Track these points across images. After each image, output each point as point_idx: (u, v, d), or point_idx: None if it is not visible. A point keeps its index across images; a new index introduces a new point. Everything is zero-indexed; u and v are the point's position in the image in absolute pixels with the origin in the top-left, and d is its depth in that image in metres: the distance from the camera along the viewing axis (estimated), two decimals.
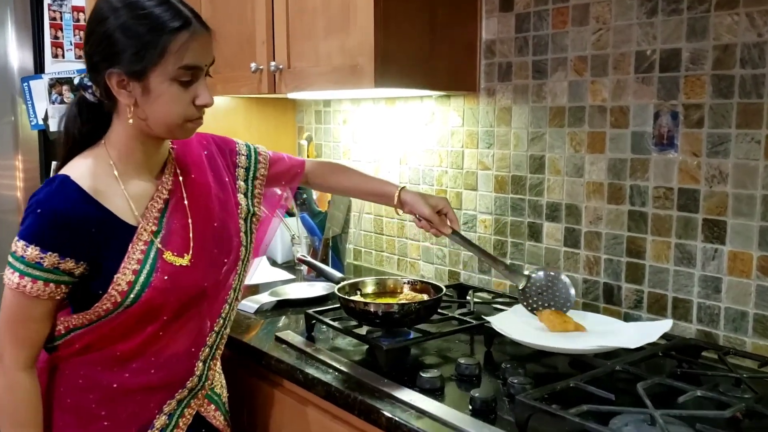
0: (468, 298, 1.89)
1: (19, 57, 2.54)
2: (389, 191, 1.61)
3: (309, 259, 1.91)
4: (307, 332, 1.70)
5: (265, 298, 1.98)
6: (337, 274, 1.86)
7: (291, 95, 2.27)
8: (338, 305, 1.67)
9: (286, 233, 2.43)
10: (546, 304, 1.60)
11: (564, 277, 1.62)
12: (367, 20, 1.78)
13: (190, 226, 1.36)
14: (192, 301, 1.35)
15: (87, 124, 1.33)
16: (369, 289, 1.74)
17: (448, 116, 2.13)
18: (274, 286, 2.15)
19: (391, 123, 2.34)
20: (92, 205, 1.25)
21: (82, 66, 2.54)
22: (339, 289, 1.64)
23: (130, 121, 1.26)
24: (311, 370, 1.48)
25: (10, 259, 1.24)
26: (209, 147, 1.50)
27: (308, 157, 2.49)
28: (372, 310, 1.56)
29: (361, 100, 2.43)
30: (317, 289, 2.06)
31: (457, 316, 1.70)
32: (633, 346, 1.39)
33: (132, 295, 1.27)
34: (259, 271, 2.35)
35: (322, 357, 1.53)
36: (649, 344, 1.44)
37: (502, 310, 1.79)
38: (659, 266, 1.66)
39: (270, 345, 1.66)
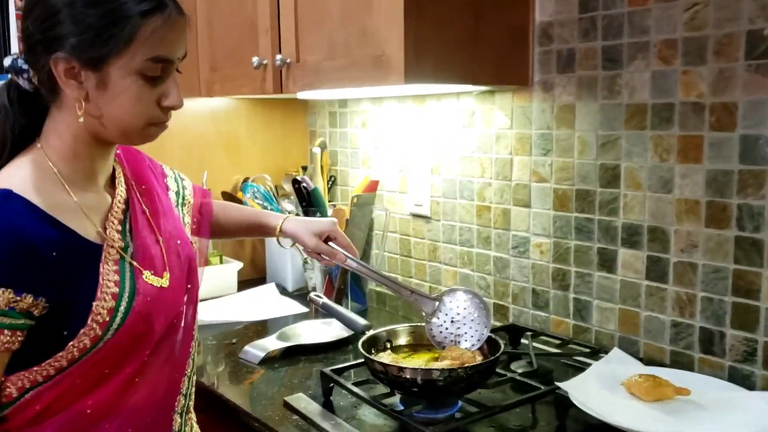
0: (524, 345, 1.51)
1: None
2: (272, 222, 1.45)
3: (325, 300, 1.55)
4: (324, 397, 1.33)
5: (272, 343, 1.61)
6: (361, 322, 1.49)
7: (301, 95, 1.91)
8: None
9: (298, 256, 2.07)
10: (454, 339, 1.32)
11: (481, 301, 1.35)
12: None
13: (161, 242, 1.13)
14: (168, 332, 1.11)
15: (21, 120, 1.06)
16: (402, 339, 1.37)
17: (492, 116, 1.75)
18: (283, 323, 1.79)
19: (420, 125, 1.96)
20: (48, 223, 0.98)
21: None
22: (363, 344, 1.27)
23: (81, 119, 1.01)
24: None
25: None
26: (146, 160, 1.27)
27: (322, 167, 2.12)
28: (408, 377, 1.18)
29: (384, 98, 2.06)
30: (335, 329, 1.69)
31: (517, 378, 1.32)
32: None
33: (114, 325, 1.01)
34: (267, 303, 1.99)
35: None
36: None
37: (570, 365, 1.42)
38: None
39: (278, 414, 1.30)
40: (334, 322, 1.71)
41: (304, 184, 1.89)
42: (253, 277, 2.29)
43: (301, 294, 2.10)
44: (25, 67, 1.02)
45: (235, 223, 1.49)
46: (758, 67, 1.27)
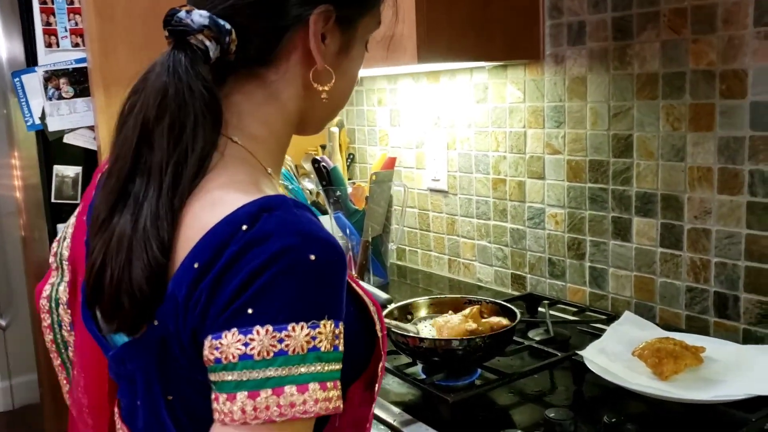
0: (542, 313, 1.55)
1: (7, 48, 2.23)
2: None
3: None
4: None
5: None
6: (383, 295, 1.53)
7: None
8: None
9: None
10: None
11: None
12: None
13: None
14: None
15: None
16: (422, 312, 1.41)
17: (505, 90, 1.78)
18: None
19: (435, 101, 1.99)
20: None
21: (80, 55, 2.24)
22: (386, 317, 1.31)
23: (324, 96, 0.78)
24: None
25: (279, 369, 0.62)
26: None
27: (341, 146, 2.16)
28: (427, 346, 1.23)
29: (399, 76, 2.08)
30: None
31: (534, 345, 1.36)
32: None
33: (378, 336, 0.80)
34: None
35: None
36: None
37: (587, 332, 1.45)
38: None
39: None
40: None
41: (324, 164, 1.93)
42: None
43: None
44: (228, 26, 0.71)
45: None
46: (767, 34, 1.28)
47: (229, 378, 0.61)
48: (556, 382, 1.30)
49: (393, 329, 1.27)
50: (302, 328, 0.61)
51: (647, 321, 1.38)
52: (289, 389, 0.61)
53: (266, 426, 0.60)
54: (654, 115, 1.47)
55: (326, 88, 0.77)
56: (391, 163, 1.96)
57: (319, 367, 0.62)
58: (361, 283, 1.37)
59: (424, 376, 1.28)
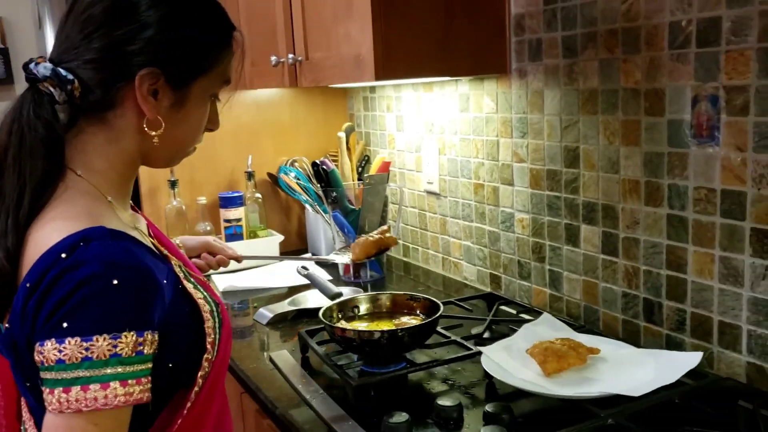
0: (503, 311, 1.68)
1: None
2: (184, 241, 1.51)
3: (310, 270, 1.77)
4: (302, 354, 1.56)
5: (282, 307, 1.86)
6: (333, 289, 1.70)
7: None
8: None
9: (329, 231, 2.30)
10: None
11: None
12: (363, 1, 1.58)
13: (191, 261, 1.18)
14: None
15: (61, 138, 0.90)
16: (363, 307, 1.57)
17: (482, 101, 1.90)
18: (305, 289, 2.04)
19: (429, 110, 2.13)
20: (149, 252, 0.93)
21: None
22: (324, 313, 1.48)
23: (155, 140, 0.93)
24: (282, 406, 1.35)
25: (86, 371, 0.80)
26: None
27: (349, 148, 2.33)
28: (349, 337, 1.39)
29: (402, 85, 2.23)
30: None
31: (459, 340, 1.49)
32: (635, 394, 1.14)
33: (216, 344, 0.97)
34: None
35: (300, 388, 1.39)
36: (665, 387, 1.18)
37: None
38: (702, 282, 1.36)
39: (264, 367, 1.54)
40: (343, 289, 1.93)
41: (324, 166, 2.11)
42: (300, 248, 2.56)
43: (333, 265, 2.33)
44: (70, 77, 0.88)
45: None
46: (679, 56, 1.35)
47: (49, 376, 0.80)
48: (468, 375, 1.42)
49: (324, 321, 1.44)
50: (104, 339, 0.79)
51: (562, 323, 1.48)
52: (94, 387, 0.79)
53: (76, 414, 0.79)
54: (595, 129, 1.56)
55: (156, 134, 0.93)
56: (385, 167, 2.12)
57: (120, 369, 0.80)
58: (313, 275, 1.52)
59: (359, 363, 1.43)
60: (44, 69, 0.88)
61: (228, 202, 2.32)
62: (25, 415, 0.95)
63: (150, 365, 0.84)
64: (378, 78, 1.60)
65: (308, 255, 2.41)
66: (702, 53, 1.30)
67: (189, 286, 0.95)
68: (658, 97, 1.40)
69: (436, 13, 1.65)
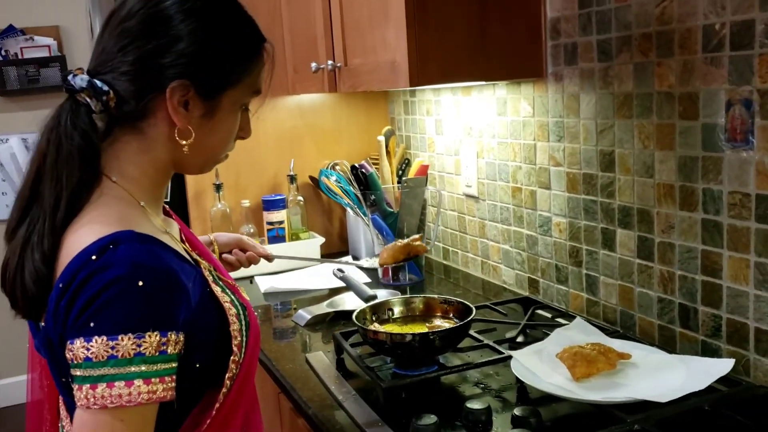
0: (539, 315, 1.68)
1: None
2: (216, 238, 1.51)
3: (345, 273, 1.80)
4: (337, 355, 1.59)
5: (320, 308, 1.89)
6: (368, 292, 1.72)
7: None
8: None
9: (369, 234, 2.33)
10: None
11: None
12: (398, 8, 1.60)
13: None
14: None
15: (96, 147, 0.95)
16: (397, 310, 1.59)
17: (519, 105, 1.90)
18: (345, 291, 2.07)
19: (468, 113, 2.14)
20: (176, 256, 0.96)
21: None
22: (357, 315, 1.50)
23: (186, 149, 0.97)
24: (315, 407, 1.38)
25: (111, 369, 0.84)
26: None
27: (389, 151, 2.35)
28: (381, 339, 1.41)
29: (441, 89, 2.25)
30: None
31: (491, 344, 1.50)
32: (662, 400, 1.13)
33: (243, 347, 1.01)
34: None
35: (333, 390, 1.42)
36: (694, 393, 1.17)
37: None
38: (737, 288, 1.35)
39: (300, 367, 1.58)
40: (382, 291, 1.96)
41: (362, 170, 2.14)
42: (341, 250, 2.59)
43: (373, 269, 2.35)
44: (106, 88, 0.93)
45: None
46: (713, 59, 1.33)
47: (78, 373, 0.85)
48: (500, 379, 1.43)
49: (360, 324, 1.47)
50: (129, 338, 0.83)
51: (594, 328, 1.48)
52: (119, 384, 0.83)
53: (103, 410, 0.84)
54: (630, 132, 1.55)
55: (187, 143, 0.96)
56: (423, 170, 2.14)
57: (144, 368, 0.84)
58: (348, 277, 1.54)
59: (390, 365, 1.46)
60: (81, 80, 0.93)
61: (271, 205, 2.37)
62: (63, 411, 1.00)
63: (174, 365, 0.87)
64: (413, 84, 1.62)
65: (344, 258, 2.45)
66: (735, 56, 1.29)
67: (217, 290, 0.99)
68: (692, 100, 1.39)
69: (471, 18, 1.66)
